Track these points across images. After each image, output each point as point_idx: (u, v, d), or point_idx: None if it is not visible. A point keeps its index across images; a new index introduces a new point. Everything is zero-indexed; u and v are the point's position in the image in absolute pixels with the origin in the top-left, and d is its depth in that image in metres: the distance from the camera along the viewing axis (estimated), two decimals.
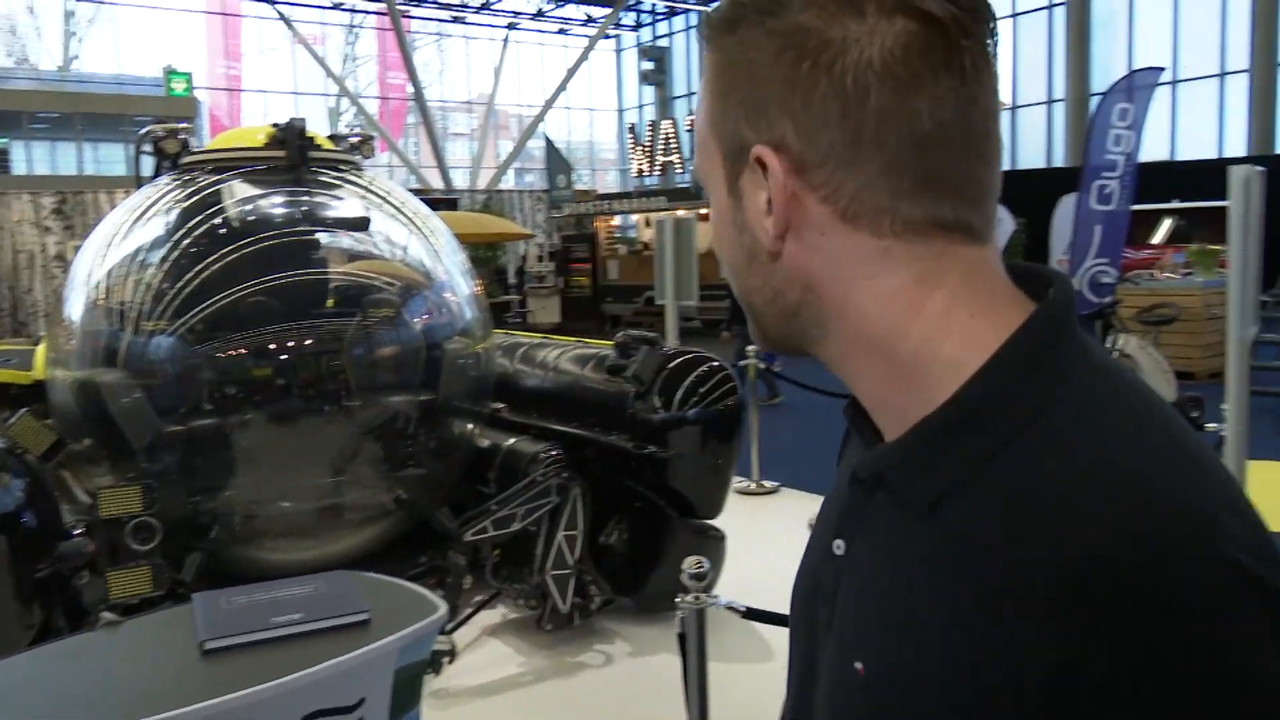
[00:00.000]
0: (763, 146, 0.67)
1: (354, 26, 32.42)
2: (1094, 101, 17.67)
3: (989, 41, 0.65)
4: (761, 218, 0.69)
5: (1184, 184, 15.09)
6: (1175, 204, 14.42)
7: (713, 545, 4.13)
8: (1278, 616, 0.54)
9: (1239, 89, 20.10)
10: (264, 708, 1.66)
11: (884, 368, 0.68)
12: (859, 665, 0.67)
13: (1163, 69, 11.12)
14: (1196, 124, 21.12)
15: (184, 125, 4.31)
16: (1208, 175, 15.74)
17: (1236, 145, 20.09)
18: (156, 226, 3.94)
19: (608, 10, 30.55)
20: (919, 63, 0.63)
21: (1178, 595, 0.54)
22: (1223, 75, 20.55)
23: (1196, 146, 20.79)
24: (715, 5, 0.71)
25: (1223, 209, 3.71)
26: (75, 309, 3.95)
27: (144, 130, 4.32)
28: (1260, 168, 3.58)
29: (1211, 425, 3.95)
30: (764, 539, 5.22)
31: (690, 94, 33.28)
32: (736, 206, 0.71)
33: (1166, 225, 14.60)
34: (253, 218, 4.03)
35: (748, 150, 0.68)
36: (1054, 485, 0.58)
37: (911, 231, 0.66)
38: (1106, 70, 21.09)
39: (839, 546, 0.73)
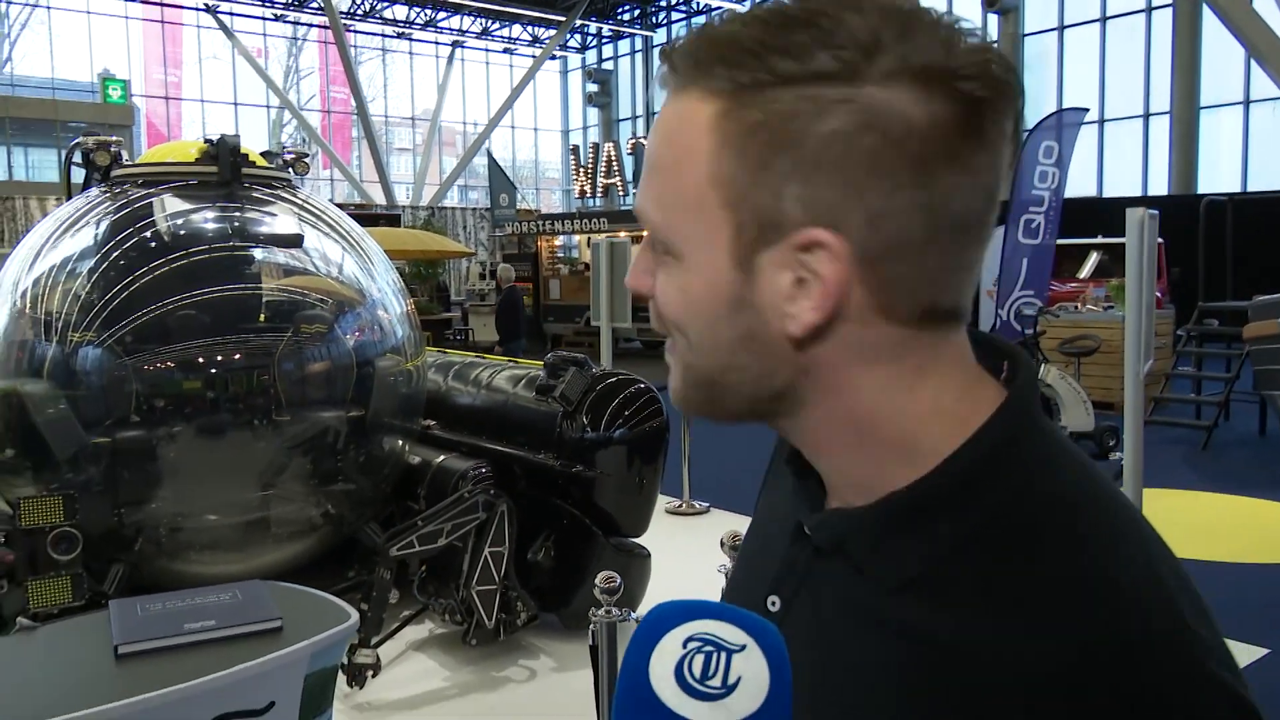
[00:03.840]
0: (822, 230, 0.59)
1: (297, 39, 32.20)
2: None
3: (1014, 122, 0.62)
4: (782, 301, 0.61)
5: (1109, 220, 15.62)
6: (1100, 239, 14.91)
7: (637, 563, 4.21)
8: None
9: (1161, 130, 20.90)
10: (175, 709, 1.70)
11: (860, 443, 0.65)
12: None
13: (1086, 109, 11.54)
14: (1122, 163, 21.88)
15: (115, 139, 4.31)
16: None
17: (1159, 184, 20.87)
18: (85, 238, 3.94)
19: (553, 31, 30.77)
20: (972, 145, 0.59)
21: (1163, 705, 0.54)
22: (1146, 116, 21.35)
23: (1122, 184, 21.55)
24: (734, 47, 0.61)
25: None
26: (0, 318, 3.93)
27: (74, 142, 4.32)
28: (1153, 210, 3.80)
29: (1119, 455, 4.15)
30: (690, 559, 5.30)
31: (635, 117, 33.57)
32: (745, 283, 0.62)
33: (1093, 260, 15.06)
34: (182, 232, 4.05)
35: (787, 228, 0.60)
36: (1035, 588, 0.58)
37: (930, 319, 0.63)
38: (1037, 109, 21.77)
39: (774, 603, 0.70)
